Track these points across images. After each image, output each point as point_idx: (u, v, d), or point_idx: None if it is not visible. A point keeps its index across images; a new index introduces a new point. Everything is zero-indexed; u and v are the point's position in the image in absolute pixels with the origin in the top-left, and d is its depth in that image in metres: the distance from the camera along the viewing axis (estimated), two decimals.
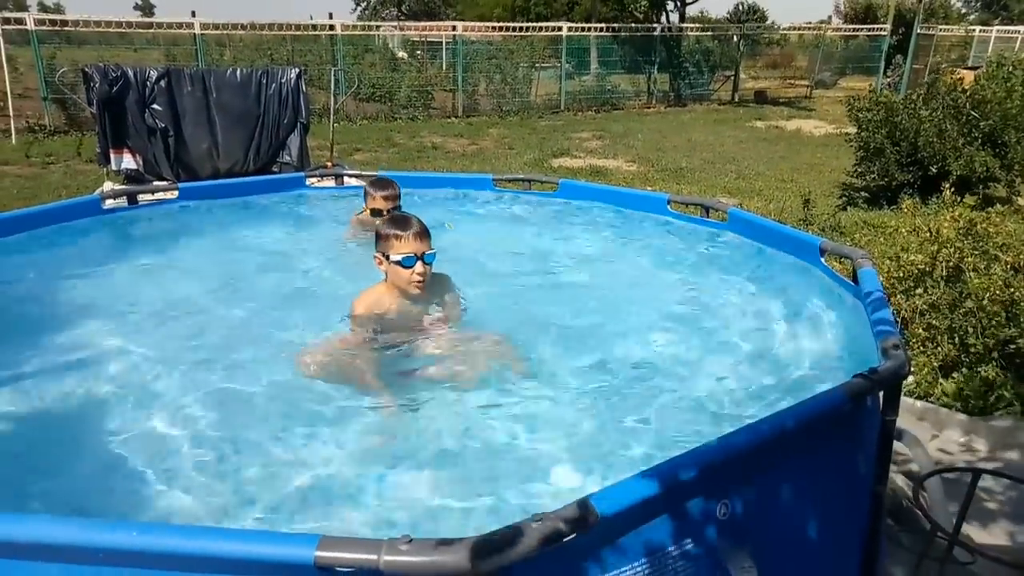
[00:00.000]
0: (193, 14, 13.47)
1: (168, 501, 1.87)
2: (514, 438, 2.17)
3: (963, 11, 31.26)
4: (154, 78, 5.81)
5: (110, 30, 13.37)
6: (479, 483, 1.96)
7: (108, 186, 5.76)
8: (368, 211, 3.66)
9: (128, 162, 5.90)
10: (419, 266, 2.58)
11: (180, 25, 13.57)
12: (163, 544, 1.16)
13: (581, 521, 1.17)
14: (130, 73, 5.72)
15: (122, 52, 16.07)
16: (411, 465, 2.05)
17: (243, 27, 14.25)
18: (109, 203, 3.99)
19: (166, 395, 2.38)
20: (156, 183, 5.44)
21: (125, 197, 4.04)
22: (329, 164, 6.55)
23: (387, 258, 2.61)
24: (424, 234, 2.62)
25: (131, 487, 1.92)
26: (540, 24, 18.52)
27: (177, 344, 2.74)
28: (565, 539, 1.16)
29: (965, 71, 11.29)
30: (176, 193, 4.18)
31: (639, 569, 1.35)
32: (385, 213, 3.44)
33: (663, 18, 23.02)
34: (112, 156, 5.84)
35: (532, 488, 1.92)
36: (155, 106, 5.84)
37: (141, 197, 4.12)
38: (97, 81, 5.56)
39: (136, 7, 76.26)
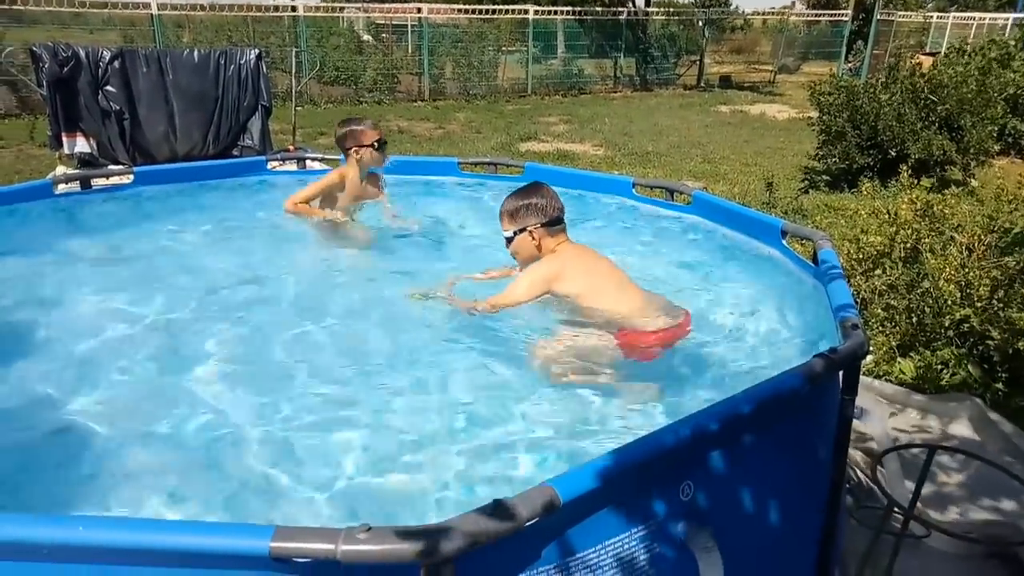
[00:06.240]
0: None
1: (117, 493, 1.82)
2: (477, 424, 2.16)
3: None
4: (107, 58, 5.62)
5: (63, 9, 12.92)
6: (446, 469, 1.95)
7: (61, 170, 5.59)
8: (369, 150, 3.71)
9: (82, 146, 5.72)
10: None
11: (136, 5, 13.17)
12: (112, 538, 1.11)
13: (542, 506, 1.16)
14: (82, 53, 5.52)
15: (76, 33, 15.52)
16: (375, 450, 2.03)
17: (202, 8, 13.88)
18: (61, 188, 3.87)
19: (113, 384, 2.32)
20: (111, 167, 5.29)
21: (78, 182, 3.92)
22: (292, 148, 6.44)
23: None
24: None
25: (77, 480, 1.86)
26: (506, 7, 18.34)
27: (127, 331, 2.67)
28: (526, 524, 1.15)
29: (923, 56, 11.50)
30: (132, 177, 4.06)
31: (602, 552, 1.35)
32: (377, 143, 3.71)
33: (629, 3, 23.00)
34: (65, 140, 5.66)
35: (501, 475, 1.91)
36: (109, 88, 5.66)
37: (95, 181, 4.00)
38: (47, 61, 5.37)
39: None
